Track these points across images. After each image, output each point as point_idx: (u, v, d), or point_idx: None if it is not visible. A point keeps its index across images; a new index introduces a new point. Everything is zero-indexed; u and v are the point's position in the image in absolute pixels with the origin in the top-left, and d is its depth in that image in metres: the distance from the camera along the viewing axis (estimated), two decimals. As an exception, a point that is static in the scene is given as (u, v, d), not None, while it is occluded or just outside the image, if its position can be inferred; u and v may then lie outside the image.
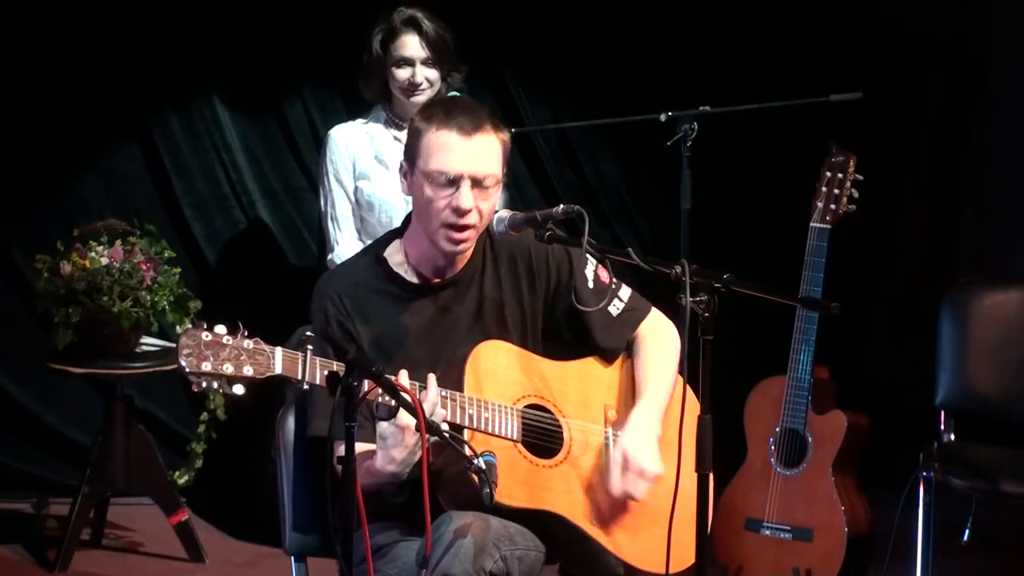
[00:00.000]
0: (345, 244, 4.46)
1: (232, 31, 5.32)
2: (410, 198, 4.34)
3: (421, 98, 4.39)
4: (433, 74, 4.40)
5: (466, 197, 2.89)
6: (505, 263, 3.06)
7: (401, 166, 3.00)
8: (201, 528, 4.89)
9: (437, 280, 3.01)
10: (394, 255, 3.03)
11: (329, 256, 4.51)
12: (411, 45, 4.39)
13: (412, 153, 2.96)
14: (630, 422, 3.01)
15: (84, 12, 5.09)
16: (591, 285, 3.08)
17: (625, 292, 3.13)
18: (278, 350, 2.68)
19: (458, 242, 2.94)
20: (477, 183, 2.90)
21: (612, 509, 2.98)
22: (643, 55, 5.66)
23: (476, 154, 2.90)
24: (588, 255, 2.97)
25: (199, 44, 5.29)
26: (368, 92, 4.51)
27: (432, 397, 2.80)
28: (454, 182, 2.89)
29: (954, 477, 4.03)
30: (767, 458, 4.29)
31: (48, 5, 5.08)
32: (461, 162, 2.89)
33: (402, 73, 4.40)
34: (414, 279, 3.01)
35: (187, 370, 2.59)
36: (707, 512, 2.75)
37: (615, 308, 3.10)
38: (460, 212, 2.90)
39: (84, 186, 5.24)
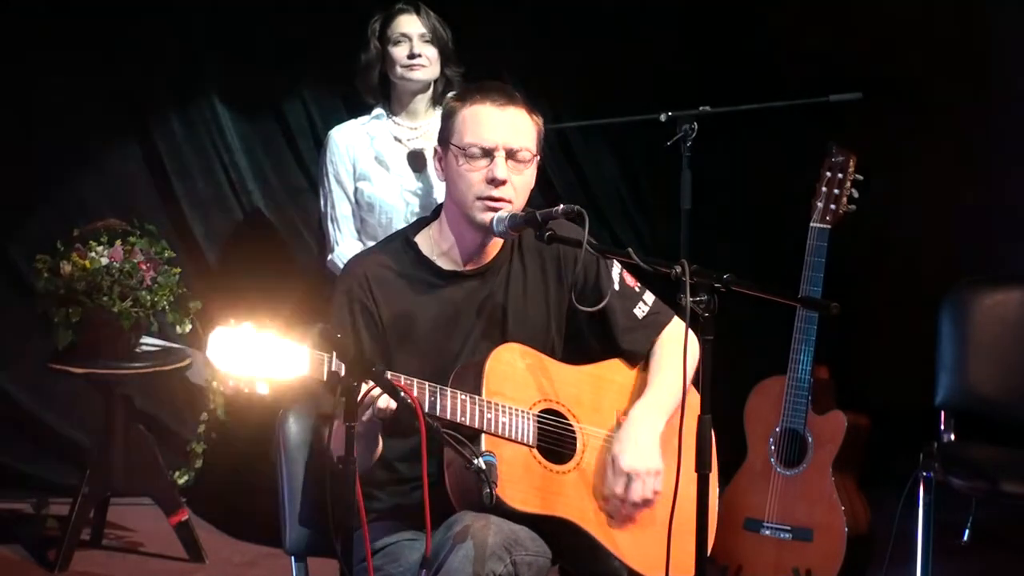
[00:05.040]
0: (345, 244, 4.46)
1: (232, 31, 5.32)
2: (414, 199, 4.41)
3: (420, 75, 4.39)
4: (432, 52, 4.41)
5: (501, 167, 2.90)
6: (533, 260, 3.06)
7: (435, 151, 3.02)
8: (201, 528, 4.89)
9: (466, 268, 3.01)
10: (424, 241, 3.03)
11: (329, 257, 4.50)
12: (408, 22, 4.42)
13: (446, 133, 2.97)
14: (626, 422, 3.01)
15: (84, 11, 5.09)
16: (617, 287, 3.07)
17: (649, 297, 3.13)
18: (305, 349, 2.65)
19: (493, 210, 2.93)
20: (511, 155, 2.92)
21: (621, 516, 2.98)
22: (643, 55, 5.66)
23: (510, 125, 2.92)
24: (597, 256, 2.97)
25: (199, 44, 5.29)
26: (366, 89, 4.51)
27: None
28: (488, 153, 2.91)
29: (954, 477, 4.03)
30: (767, 458, 4.29)
31: (48, 5, 5.08)
32: (495, 133, 2.91)
33: (400, 50, 4.40)
34: (443, 265, 3.01)
35: (216, 368, 2.56)
36: (707, 512, 2.75)
37: (640, 311, 3.10)
38: (496, 182, 2.90)
39: (84, 186, 5.24)
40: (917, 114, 5.70)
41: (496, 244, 3.02)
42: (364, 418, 2.73)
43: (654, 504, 2.98)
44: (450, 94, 3.03)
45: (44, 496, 5.07)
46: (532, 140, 2.96)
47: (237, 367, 2.56)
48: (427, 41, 4.41)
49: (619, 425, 3.04)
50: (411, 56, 4.39)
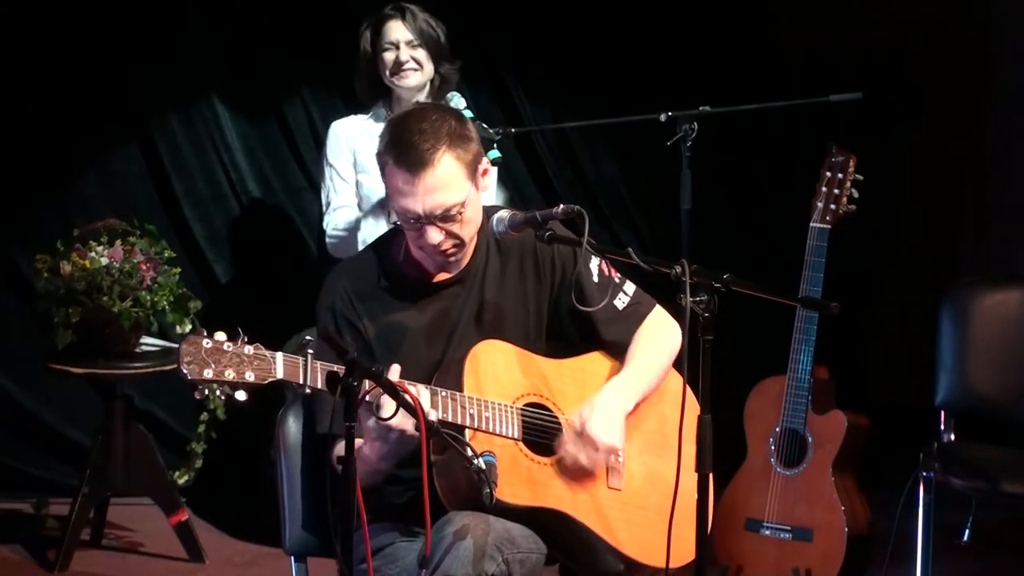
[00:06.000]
0: (343, 199, 4.44)
1: (232, 31, 5.33)
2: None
3: (410, 80, 4.40)
4: (421, 54, 4.42)
5: (431, 235, 2.89)
6: (511, 260, 3.06)
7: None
8: (201, 528, 4.89)
9: (441, 277, 3.02)
10: (399, 253, 3.03)
11: (326, 218, 4.47)
12: (395, 29, 4.43)
13: (384, 183, 2.96)
14: (598, 394, 3.01)
15: (84, 12, 5.09)
16: (596, 279, 3.07)
17: (630, 287, 3.13)
18: (279, 355, 2.68)
19: (444, 261, 2.95)
20: (438, 219, 2.88)
21: (613, 504, 2.99)
22: (643, 55, 5.66)
23: (427, 194, 2.85)
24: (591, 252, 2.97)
25: (199, 44, 5.29)
26: (363, 93, 4.52)
27: (423, 398, 2.79)
28: (417, 221, 2.89)
29: (954, 477, 4.03)
30: (767, 458, 4.29)
31: (49, 5, 5.08)
32: (415, 204, 2.86)
33: (388, 56, 4.42)
34: (418, 276, 3.02)
35: (189, 378, 2.59)
36: (707, 513, 2.75)
37: (620, 302, 3.09)
38: (431, 247, 2.91)
39: (84, 186, 5.24)
40: (917, 114, 5.71)
41: (470, 249, 3.02)
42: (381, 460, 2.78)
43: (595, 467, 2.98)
44: (382, 131, 2.98)
45: (44, 496, 5.07)
46: (457, 189, 2.88)
47: (209, 375, 2.58)
48: (416, 46, 4.42)
49: None
50: (398, 63, 4.40)
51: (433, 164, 2.85)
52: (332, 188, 4.50)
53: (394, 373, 2.76)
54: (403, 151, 2.85)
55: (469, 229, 2.94)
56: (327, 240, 4.49)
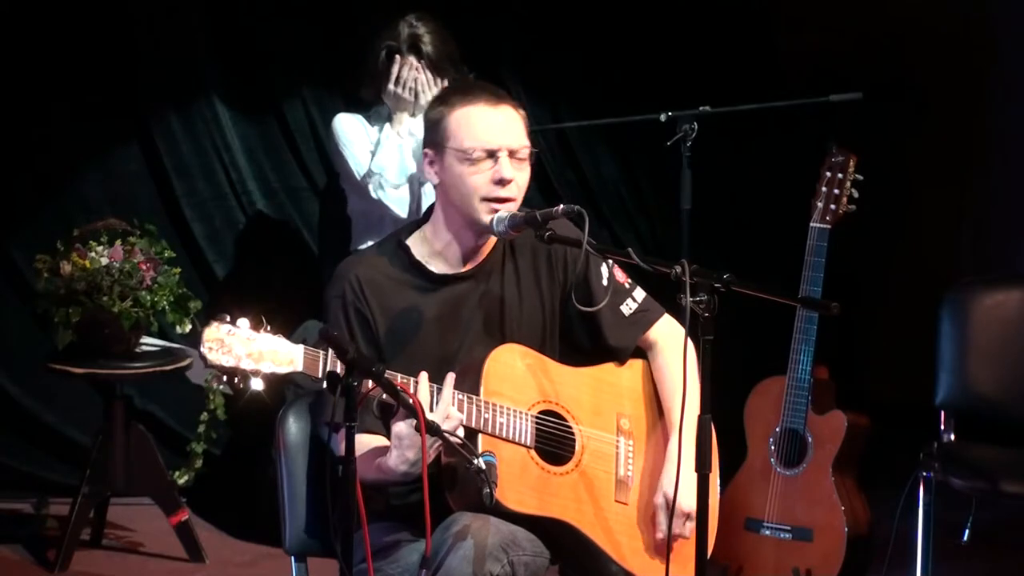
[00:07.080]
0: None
1: (232, 31, 5.32)
2: (409, 198, 4.40)
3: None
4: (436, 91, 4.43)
5: (506, 167, 2.89)
6: (525, 258, 3.05)
7: (425, 154, 2.99)
8: (201, 528, 4.89)
9: (459, 270, 3.01)
10: (417, 244, 3.02)
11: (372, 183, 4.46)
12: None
13: (438, 138, 2.94)
14: (668, 461, 3.00)
15: (84, 12, 5.10)
16: (605, 283, 3.07)
17: (639, 294, 3.12)
18: (299, 347, 2.68)
19: (498, 211, 2.93)
20: (513, 154, 2.91)
21: (619, 518, 2.99)
22: (643, 55, 5.67)
23: (507, 125, 2.92)
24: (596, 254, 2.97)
25: (199, 44, 5.29)
26: (368, 96, 4.52)
27: (446, 399, 2.79)
28: (492, 155, 2.89)
29: (954, 477, 4.02)
30: (767, 458, 4.29)
31: (49, 5, 5.08)
32: (495, 134, 2.90)
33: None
34: (435, 269, 3.00)
35: (209, 362, 2.59)
36: (707, 512, 2.75)
37: (627, 308, 3.09)
38: (503, 183, 2.89)
39: (84, 186, 5.24)
40: (917, 114, 5.71)
41: (489, 244, 3.02)
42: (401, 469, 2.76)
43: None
44: (431, 101, 3.00)
45: (44, 496, 5.07)
46: (526, 137, 2.96)
47: (230, 361, 2.59)
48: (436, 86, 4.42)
49: (620, 429, 3.04)
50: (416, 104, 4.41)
51: (509, 102, 2.94)
52: (352, 163, 4.46)
53: (423, 380, 2.77)
54: (479, 91, 2.94)
55: (523, 191, 2.95)
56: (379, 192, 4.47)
